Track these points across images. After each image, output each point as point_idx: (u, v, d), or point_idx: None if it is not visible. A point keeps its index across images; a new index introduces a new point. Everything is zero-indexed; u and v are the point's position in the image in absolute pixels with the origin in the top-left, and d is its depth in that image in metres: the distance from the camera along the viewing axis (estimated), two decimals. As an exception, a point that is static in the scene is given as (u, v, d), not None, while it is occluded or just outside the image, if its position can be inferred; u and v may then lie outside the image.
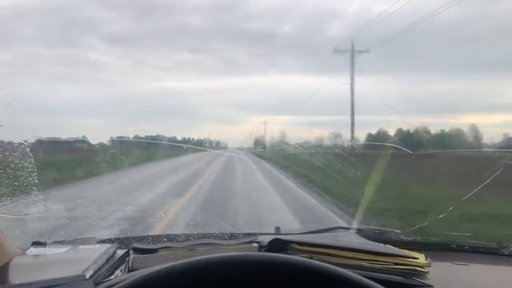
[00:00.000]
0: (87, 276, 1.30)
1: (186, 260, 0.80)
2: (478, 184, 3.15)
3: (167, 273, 0.78)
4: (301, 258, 0.83)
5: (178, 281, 0.77)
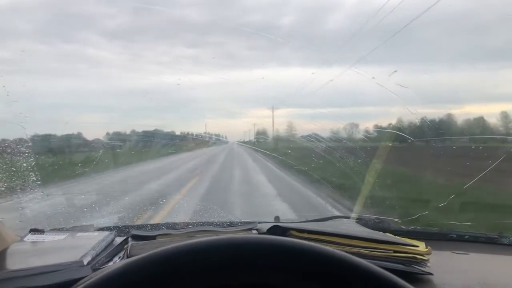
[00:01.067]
0: (85, 262, 1.29)
1: (182, 243, 0.79)
2: (479, 173, 3.14)
3: (162, 256, 0.77)
4: (303, 241, 0.82)
5: (174, 264, 0.76)
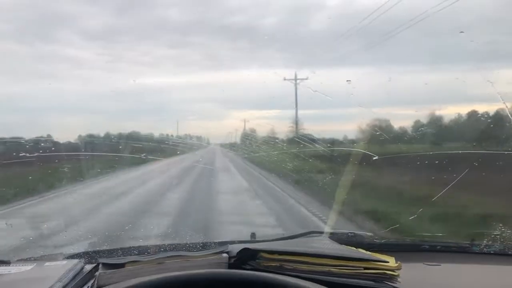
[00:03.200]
0: None
1: (146, 279, 0.78)
2: (447, 183, 3.20)
3: None
4: (256, 273, 0.83)
5: None
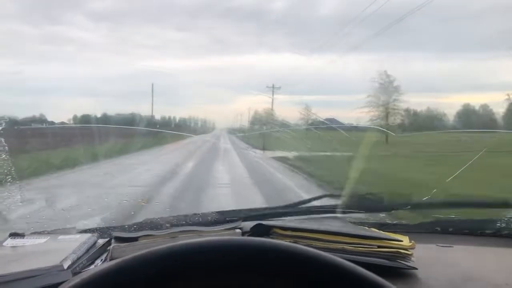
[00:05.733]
0: (65, 266, 1.27)
1: (163, 246, 0.77)
2: (462, 164, 3.16)
3: (143, 259, 0.76)
4: (282, 242, 0.82)
5: (155, 267, 0.75)
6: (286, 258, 0.77)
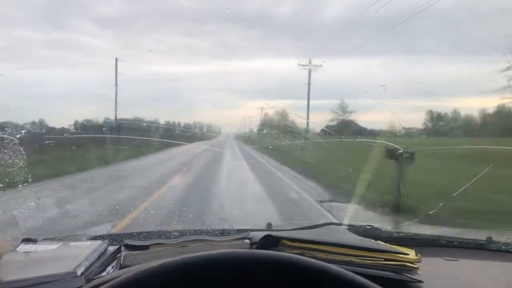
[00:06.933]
0: (79, 273, 1.29)
1: (177, 258, 0.80)
2: (469, 179, 3.17)
3: (159, 271, 0.78)
4: (290, 255, 0.84)
5: (170, 279, 0.78)
6: (295, 271, 0.79)
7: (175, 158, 16.61)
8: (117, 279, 0.79)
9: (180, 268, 0.79)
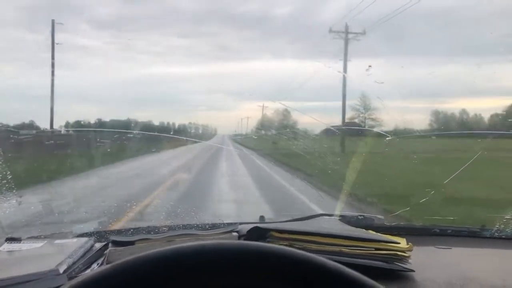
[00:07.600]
0: (61, 270, 1.26)
1: (154, 250, 0.77)
2: (458, 167, 3.17)
3: (137, 262, 0.76)
4: (273, 245, 0.81)
5: (149, 270, 0.75)
6: (281, 262, 0.77)
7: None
8: (92, 272, 0.77)
9: (157, 260, 0.76)
